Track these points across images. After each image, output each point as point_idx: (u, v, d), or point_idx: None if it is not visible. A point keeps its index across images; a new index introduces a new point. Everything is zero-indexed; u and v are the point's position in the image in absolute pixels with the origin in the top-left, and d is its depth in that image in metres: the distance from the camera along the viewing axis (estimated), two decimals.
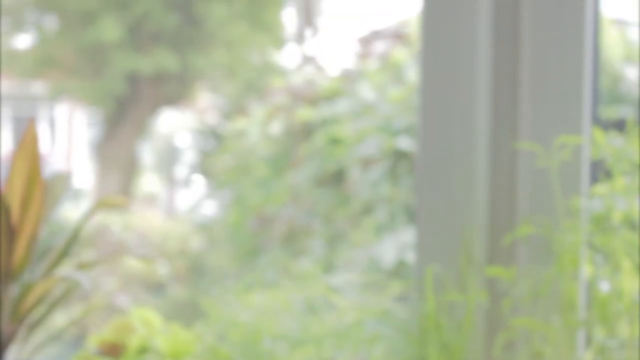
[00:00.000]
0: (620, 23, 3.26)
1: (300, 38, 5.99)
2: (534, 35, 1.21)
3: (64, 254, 1.08)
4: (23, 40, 6.90)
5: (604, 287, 1.10)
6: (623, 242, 1.09)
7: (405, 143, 3.08)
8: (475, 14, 1.22)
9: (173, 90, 6.81)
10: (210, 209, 5.38)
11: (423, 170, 1.24)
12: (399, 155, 3.10)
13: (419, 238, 1.24)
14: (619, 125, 1.18)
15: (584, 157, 1.19)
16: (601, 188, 1.13)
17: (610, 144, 1.13)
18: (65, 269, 1.07)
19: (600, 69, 2.84)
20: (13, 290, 1.05)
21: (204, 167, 6.01)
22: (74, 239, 1.08)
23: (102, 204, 1.12)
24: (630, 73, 2.91)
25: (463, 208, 1.22)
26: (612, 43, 3.08)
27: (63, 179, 1.12)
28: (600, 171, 1.15)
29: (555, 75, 1.21)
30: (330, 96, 3.69)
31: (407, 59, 3.50)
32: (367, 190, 3.20)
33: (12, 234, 1.05)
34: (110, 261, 1.12)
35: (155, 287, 4.85)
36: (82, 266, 1.07)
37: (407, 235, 3.05)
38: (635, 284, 1.08)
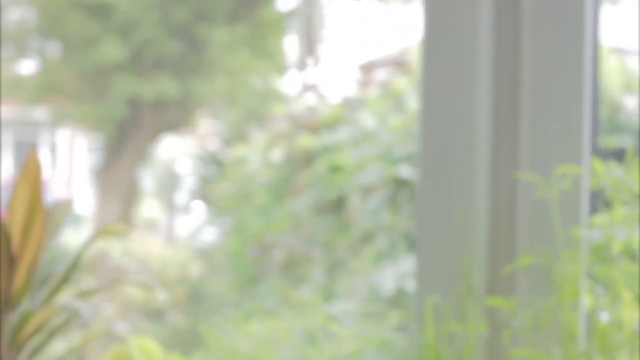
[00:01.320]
0: (620, 52, 3.27)
1: (301, 65, 6.01)
2: (534, 66, 1.22)
3: (64, 281, 1.08)
4: (26, 66, 6.93)
5: (604, 317, 1.10)
6: (623, 272, 1.09)
7: (405, 171, 3.09)
8: (476, 43, 1.22)
9: (174, 116, 6.82)
10: (210, 235, 5.38)
11: (423, 198, 1.24)
12: (400, 184, 3.11)
13: (419, 267, 1.24)
14: (619, 155, 1.18)
15: (583, 187, 1.19)
16: (601, 218, 1.14)
17: (609, 174, 1.13)
18: (65, 298, 1.07)
19: (600, 99, 2.85)
20: (12, 318, 1.05)
21: (204, 193, 6.01)
22: (74, 266, 1.08)
23: (102, 232, 1.12)
24: (630, 102, 2.92)
25: (463, 237, 1.22)
26: (611, 72, 3.09)
27: (64, 206, 1.12)
28: (600, 201, 1.16)
29: (555, 105, 1.21)
30: (331, 124, 3.70)
31: (408, 87, 3.51)
32: (368, 218, 3.20)
33: (12, 262, 1.05)
34: (110, 289, 1.12)
35: (155, 314, 4.84)
36: (82, 295, 1.07)
37: (407, 264, 3.05)
38: (635, 315, 1.08)
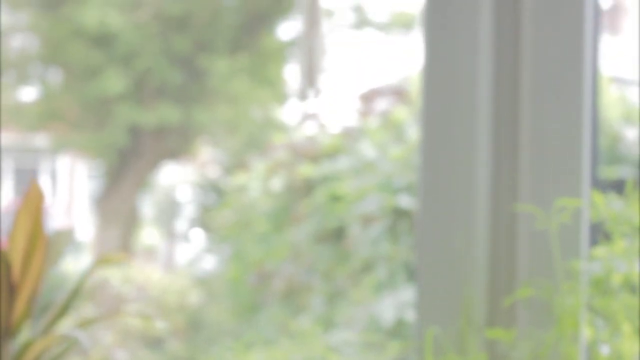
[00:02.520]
0: (620, 81, 3.28)
1: (302, 95, 6.03)
2: (534, 96, 1.22)
3: (64, 310, 1.08)
4: (27, 93, 6.95)
5: (604, 350, 1.10)
6: (623, 305, 1.09)
7: (405, 201, 3.09)
8: (476, 74, 1.23)
9: (175, 144, 6.83)
10: (209, 263, 5.37)
11: (423, 229, 1.24)
12: (399, 214, 3.11)
13: (419, 297, 1.24)
14: (619, 186, 1.18)
15: (583, 220, 1.20)
16: (601, 251, 1.14)
17: (609, 207, 1.13)
18: (65, 327, 1.07)
19: (600, 129, 2.85)
20: (12, 347, 1.05)
21: (204, 221, 6.01)
22: (74, 296, 1.08)
23: (102, 262, 1.12)
24: (630, 133, 2.93)
25: (463, 268, 1.22)
26: (611, 103, 3.10)
27: (65, 235, 1.12)
28: (600, 234, 1.16)
29: (554, 137, 1.22)
30: (331, 153, 3.70)
31: (408, 117, 3.52)
32: (367, 247, 3.20)
33: (12, 290, 1.05)
34: (109, 319, 1.12)
35: (154, 343, 4.82)
36: (82, 324, 1.07)
37: (407, 294, 3.04)
38: (635, 348, 1.08)
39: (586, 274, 1.14)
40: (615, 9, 4.77)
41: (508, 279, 1.21)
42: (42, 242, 1.05)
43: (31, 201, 1.06)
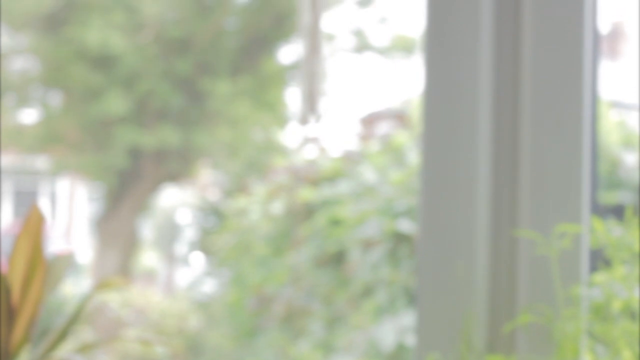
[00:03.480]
0: (619, 106, 3.28)
1: (302, 118, 6.04)
2: (534, 121, 1.22)
3: (63, 335, 1.08)
4: (28, 116, 6.96)
5: None
6: (623, 331, 1.09)
7: (406, 226, 3.09)
8: (477, 98, 1.23)
9: (175, 166, 6.83)
10: (209, 287, 5.36)
11: (424, 254, 1.24)
12: (400, 238, 3.10)
13: (419, 322, 1.24)
14: (618, 211, 1.19)
15: (583, 246, 1.20)
16: (601, 277, 1.13)
17: (609, 233, 1.13)
18: (64, 351, 1.06)
19: (599, 154, 2.85)
20: None
21: (204, 244, 6.00)
22: (73, 321, 1.08)
23: (102, 286, 1.12)
24: (629, 158, 2.93)
25: (463, 294, 1.22)
26: (611, 128, 3.11)
27: (65, 260, 1.12)
28: (600, 260, 1.16)
29: (554, 161, 1.22)
30: (332, 177, 3.70)
31: (408, 141, 3.53)
32: (368, 272, 3.20)
33: (12, 315, 1.05)
34: (109, 343, 1.11)
35: None
36: (82, 349, 1.06)
37: (407, 319, 3.03)
38: None
39: (586, 300, 1.14)
40: (615, 34, 4.79)
41: (508, 304, 1.21)
42: (41, 267, 1.05)
43: (31, 226, 1.06)
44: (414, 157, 3.40)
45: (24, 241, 1.06)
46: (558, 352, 1.11)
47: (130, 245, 6.83)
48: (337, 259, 3.46)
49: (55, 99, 6.92)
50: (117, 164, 6.66)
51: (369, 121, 4.18)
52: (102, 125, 6.59)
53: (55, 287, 1.10)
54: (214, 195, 6.41)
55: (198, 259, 6.31)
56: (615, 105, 3.27)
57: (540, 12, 1.22)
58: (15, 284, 1.05)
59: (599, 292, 1.13)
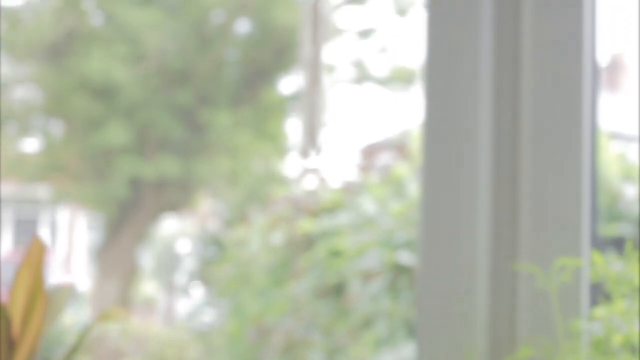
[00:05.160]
0: (619, 138, 3.28)
1: (303, 149, 6.05)
2: (534, 154, 1.23)
3: None
4: (30, 145, 6.97)
5: None
6: None
7: (406, 258, 3.08)
8: (477, 130, 1.24)
9: (175, 196, 6.84)
10: (209, 317, 5.34)
11: (424, 286, 1.24)
12: (400, 270, 3.10)
13: (419, 356, 1.23)
14: (618, 243, 1.19)
15: (584, 279, 1.20)
16: (601, 311, 1.13)
17: (609, 267, 1.13)
18: None
19: (599, 187, 2.85)
20: None
21: (204, 274, 5.99)
22: (74, 352, 1.08)
23: (103, 318, 1.12)
24: (629, 191, 2.93)
25: (464, 326, 1.22)
26: (611, 160, 3.11)
27: (66, 292, 1.12)
28: (600, 294, 1.15)
29: (554, 194, 1.22)
30: (332, 208, 3.70)
31: (408, 173, 3.53)
32: (368, 303, 3.19)
33: (12, 346, 1.05)
34: None
35: None
36: None
37: (406, 351, 3.02)
38: None
39: (587, 334, 1.14)
40: (615, 66, 4.80)
41: (508, 337, 1.21)
42: (42, 299, 1.05)
43: (33, 257, 1.06)
44: (414, 188, 3.40)
45: (26, 272, 1.06)
46: None
47: (130, 274, 6.82)
48: (337, 291, 3.46)
49: (57, 128, 6.94)
50: (117, 193, 6.67)
51: (369, 152, 4.18)
52: (103, 155, 6.61)
53: (56, 319, 1.10)
54: (214, 225, 6.41)
55: (198, 289, 6.29)
56: (616, 137, 3.27)
57: (540, 45, 1.23)
58: (16, 315, 1.05)
59: (600, 327, 1.12)
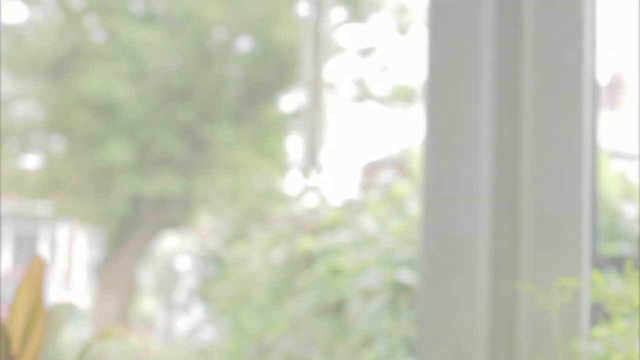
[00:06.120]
0: (619, 156, 3.28)
1: (303, 168, 6.06)
2: (534, 174, 1.23)
3: None
4: (30, 161, 6.98)
5: None
6: None
7: (406, 276, 3.08)
8: (477, 148, 1.24)
9: (175, 213, 6.83)
10: (208, 335, 5.33)
11: (424, 305, 1.24)
12: (400, 288, 3.09)
13: None
14: (618, 262, 1.19)
15: (584, 299, 1.20)
16: (601, 330, 1.13)
17: (609, 287, 1.13)
18: None
19: (599, 206, 2.85)
20: None
21: (203, 291, 5.98)
22: None
23: (102, 336, 1.11)
24: (629, 210, 2.93)
25: (464, 345, 1.21)
26: (610, 179, 3.11)
27: (65, 310, 1.12)
28: (600, 313, 1.15)
29: (554, 214, 1.22)
30: (332, 226, 3.70)
31: (409, 191, 3.53)
32: (367, 322, 3.18)
33: None
34: None
35: None
36: None
37: None
38: None
39: (587, 353, 1.13)
40: (614, 85, 4.81)
41: (509, 357, 1.21)
42: (42, 317, 1.05)
43: (33, 275, 1.06)
44: (414, 206, 3.39)
45: (26, 291, 1.06)
46: None
47: (129, 291, 6.81)
48: (337, 309, 3.45)
49: (58, 145, 6.94)
50: (117, 210, 6.67)
51: (370, 170, 4.19)
52: (104, 172, 6.61)
53: (55, 337, 1.10)
54: (214, 242, 6.40)
55: (197, 307, 6.28)
56: (615, 155, 3.27)
57: (540, 64, 1.23)
58: (16, 333, 1.05)
59: (600, 346, 1.12)
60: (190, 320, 6.22)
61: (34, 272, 1.05)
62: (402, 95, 6.51)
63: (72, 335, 5.74)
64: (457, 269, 1.23)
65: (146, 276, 7.15)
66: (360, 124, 6.53)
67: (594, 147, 1.28)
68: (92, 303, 6.91)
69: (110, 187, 6.61)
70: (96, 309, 6.78)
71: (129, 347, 5.17)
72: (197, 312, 6.22)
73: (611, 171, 3.11)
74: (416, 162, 3.67)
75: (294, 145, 6.65)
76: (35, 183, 6.83)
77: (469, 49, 1.24)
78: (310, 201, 4.17)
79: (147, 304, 7.13)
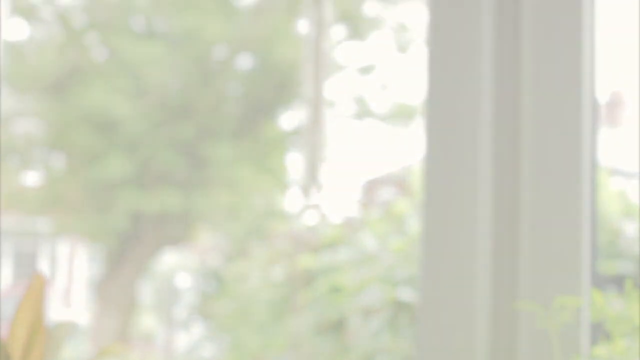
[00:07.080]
0: (618, 174, 3.29)
1: (304, 186, 6.06)
2: (533, 191, 1.23)
3: None
4: (30, 178, 6.98)
5: None
6: None
7: (406, 294, 3.08)
8: (477, 165, 1.24)
9: (176, 230, 6.83)
10: (208, 352, 5.32)
11: (424, 323, 1.24)
12: (400, 306, 3.09)
13: None
14: (618, 281, 1.19)
15: (584, 318, 1.20)
16: (601, 350, 1.13)
17: (609, 306, 1.13)
18: None
19: (599, 224, 2.85)
20: None
21: (203, 308, 5.97)
22: None
23: (102, 354, 1.11)
24: (629, 228, 2.93)
25: None
26: (610, 197, 3.11)
27: (65, 328, 1.12)
28: (600, 332, 1.15)
29: (554, 232, 1.22)
30: (332, 243, 3.70)
31: (409, 208, 3.53)
32: (368, 340, 3.18)
33: None
34: None
35: None
36: None
37: None
38: None
39: None
40: (614, 102, 4.82)
41: None
42: (42, 336, 1.05)
43: (33, 293, 1.06)
44: (414, 224, 3.40)
45: (26, 308, 1.06)
46: None
47: (129, 308, 6.80)
48: (337, 326, 3.44)
49: (58, 161, 6.95)
50: (117, 226, 6.66)
51: (370, 188, 4.19)
52: (104, 188, 6.61)
53: (55, 354, 1.10)
54: (214, 259, 6.40)
55: (197, 324, 6.27)
56: (615, 173, 3.27)
57: (539, 82, 1.24)
58: (16, 350, 1.05)
59: None
60: (190, 337, 6.21)
61: (35, 288, 1.05)
62: (402, 113, 6.52)
63: (72, 353, 5.73)
64: (457, 288, 1.23)
65: (146, 293, 7.14)
66: (360, 142, 6.54)
67: (594, 165, 1.28)
68: (91, 320, 6.90)
69: (111, 203, 6.61)
70: (96, 325, 6.77)
71: None
72: (197, 329, 6.21)
73: (611, 189, 3.11)
74: (416, 179, 3.67)
75: (294, 162, 6.65)
76: (35, 199, 6.83)
77: (469, 68, 1.25)
78: (310, 218, 4.18)
79: (147, 321, 7.12)
